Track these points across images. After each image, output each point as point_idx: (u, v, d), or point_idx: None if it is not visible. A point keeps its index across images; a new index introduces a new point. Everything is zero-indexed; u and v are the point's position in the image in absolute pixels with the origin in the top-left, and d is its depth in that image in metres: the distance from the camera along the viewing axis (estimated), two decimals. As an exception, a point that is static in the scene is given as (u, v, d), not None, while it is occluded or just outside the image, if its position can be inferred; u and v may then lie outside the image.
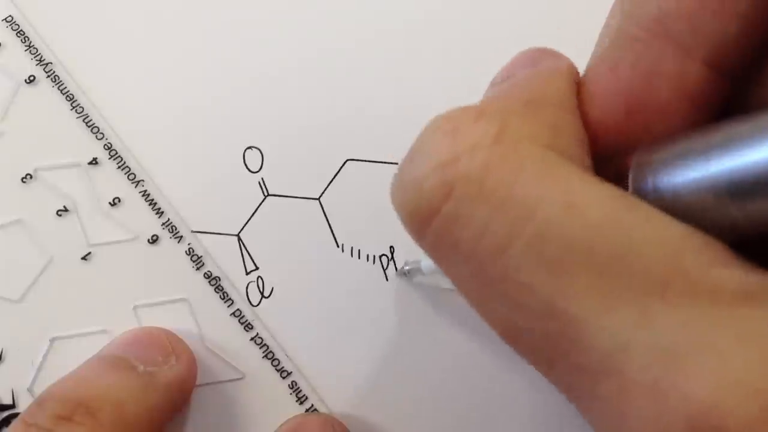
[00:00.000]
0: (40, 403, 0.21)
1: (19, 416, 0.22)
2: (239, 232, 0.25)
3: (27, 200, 0.25)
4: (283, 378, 0.25)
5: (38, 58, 0.26)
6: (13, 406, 0.24)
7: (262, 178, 0.26)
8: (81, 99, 0.26)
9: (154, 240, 0.25)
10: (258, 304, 0.25)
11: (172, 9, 0.27)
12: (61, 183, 0.25)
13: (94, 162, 0.26)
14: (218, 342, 0.25)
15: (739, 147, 0.12)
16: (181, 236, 0.25)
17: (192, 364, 0.24)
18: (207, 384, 0.24)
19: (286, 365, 0.25)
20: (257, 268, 0.25)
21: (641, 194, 0.14)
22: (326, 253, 0.25)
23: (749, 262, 0.13)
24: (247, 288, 0.25)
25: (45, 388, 0.22)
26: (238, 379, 0.25)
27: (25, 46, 0.27)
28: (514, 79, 0.16)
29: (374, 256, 0.25)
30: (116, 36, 0.27)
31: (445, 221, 0.14)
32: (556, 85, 0.16)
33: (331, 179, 0.26)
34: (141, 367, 0.23)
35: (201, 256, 0.25)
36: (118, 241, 0.25)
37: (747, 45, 0.15)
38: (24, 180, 0.25)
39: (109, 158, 0.26)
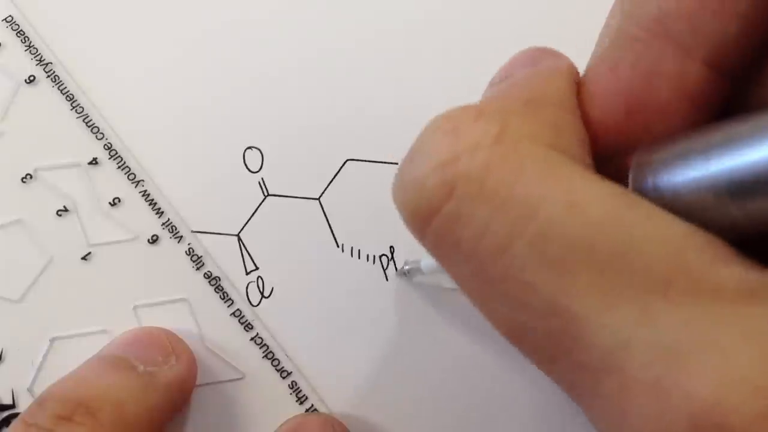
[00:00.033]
0: (40, 403, 0.21)
1: (19, 416, 0.22)
2: (239, 232, 0.25)
3: (27, 200, 0.25)
4: (283, 378, 0.25)
5: (38, 58, 0.26)
6: (13, 406, 0.24)
7: (262, 178, 0.26)
8: (81, 99, 0.26)
9: (154, 240, 0.25)
10: (258, 304, 0.25)
11: (172, 9, 0.27)
12: (61, 183, 0.25)
13: (94, 162, 0.26)
14: (218, 342, 0.25)
15: (739, 147, 0.12)
16: (181, 236, 0.25)
17: (192, 364, 0.24)
18: (207, 384, 0.24)
19: (286, 365, 0.25)
20: (257, 268, 0.25)
21: (641, 194, 0.14)
22: (326, 253, 0.25)
23: (751, 260, 0.13)
24: (247, 288, 0.25)
25: (45, 388, 0.22)
26: (238, 379, 0.25)
27: (25, 46, 0.27)
28: (513, 79, 0.16)
29: (374, 256, 0.25)
30: (116, 36, 0.27)
31: (445, 221, 0.14)
32: (556, 85, 0.16)
33: (331, 179, 0.26)
34: (141, 367, 0.23)
35: (201, 256, 0.25)
36: (118, 241, 0.25)
37: (747, 45, 0.15)
38: (24, 180, 0.25)
39: (109, 158, 0.26)
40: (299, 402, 0.24)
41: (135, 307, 0.25)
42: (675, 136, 0.14)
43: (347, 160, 0.26)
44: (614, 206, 0.13)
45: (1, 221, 0.25)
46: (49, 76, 0.26)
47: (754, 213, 0.12)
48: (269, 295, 0.25)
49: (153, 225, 0.25)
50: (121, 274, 0.25)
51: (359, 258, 0.25)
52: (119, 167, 0.26)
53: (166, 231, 0.25)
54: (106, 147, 0.26)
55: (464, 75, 0.26)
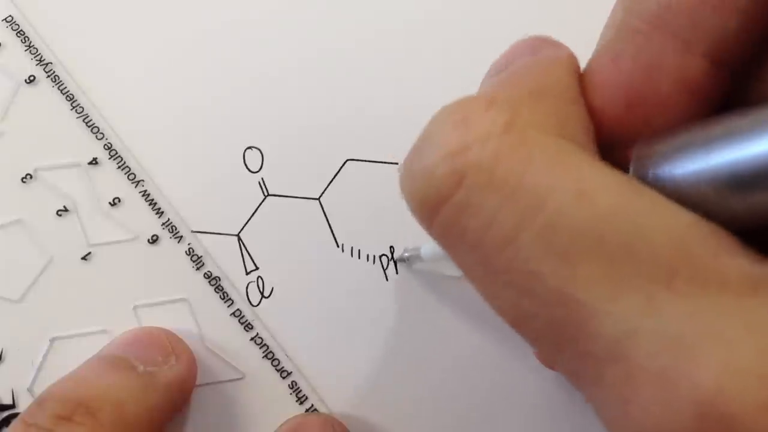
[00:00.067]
0: (40, 403, 0.21)
1: (19, 416, 0.22)
2: (239, 232, 0.25)
3: (27, 200, 0.25)
4: (283, 378, 0.25)
5: (38, 58, 0.26)
6: (13, 406, 0.24)
7: (262, 178, 0.26)
8: (81, 99, 0.26)
9: (154, 240, 0.25)
10: (258, 304, 0.25)
11: (172, 9, 0.27)
12: (61, 183, 0.25)
13: (94, 162, 0.26)
14: (218, 342, 0.25)
15: (740, 140, 0.13)
16: (181, 236, 0.25)
17: (192, 364, 0.24)
18: (207, 384, 0.24)
19: (286, 365, 0.25)
20: (257, 268, 0.25)
21: None
22: (326, 253, 0.25)
23: (754, 251, 0.13)
24: (247, 288, 0.25)
25: (45, 388, 0.22)
26: (238, 379, 0.25)
27: (25, 46, 0.27)
28: (514, 68, 0.16)
29: (374, 256, 0.25)
30: (116, 36, 0.27)
31: (454, 210, 0.14)
32: (560, 74, 0.16)
33: (331, 179, 0.26)
34: (141, 367, 0.23)
35: (201, 256, 0.25)
36: (118, 241, 0.25)
37: (747, 39, 0.15)
38: (24, 180, 0.25)
39: (109, 158, 0.26)
40: (299, 402, 0.24)
41: (135, 307, 0.25)
42: (676, 129, 0.14)
43: (347, 160, 0.26)
44: (622, 195, 0.13)
45: (1, 221, 0.25)
46: (49, 76, 0.26)
47: (754, 206, 0.13)
48: (269, 295, 0.25)
49: (153, 225, 0.25)
50: (121, 274, 0.25)
51: (359, 258, 0.25)
52: (119, 167, 0.26)
53: (166, 231, 0.25)
54: (106, 147, 0.26)
55: (464, 75, 0.26)
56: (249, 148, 0.26)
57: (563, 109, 0.15)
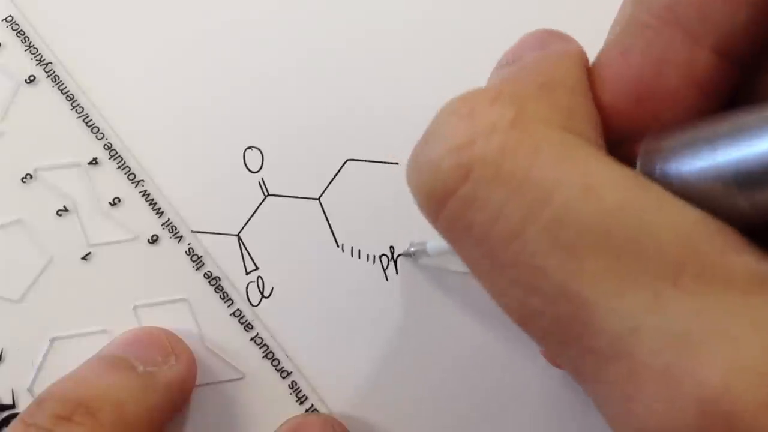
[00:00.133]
0: (39, 402, 0.21)
1: (19, 416, 0.22)
2: (239, 232, 0.25)
3: (27, 200, 0.25)
4: (283, 378, 0.25)
5: (38, 58, 0.26)
6: (13, 406, 0.24)
7: (262, 178, 0.26)
8: (81, 99, 0.26)
9: (154, 240, 0.25)
10: (258, 304, 0.25)
11: (172, 9, 0.27)
12: (61, 183, 0.25)
13: (94, 162, 0.26)
14: (218, 342, 0.25)
15: (747, 137, 0.12)
16: (181, 236, 0.25)
17: (192, 364, 0.24)
18: (207, 384, 0.24)
19: (286, 365, 0.25)
20: (257, 268, 0.25)
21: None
22: (326, 253, 0.25)
23: (761, 249, 0.13)
24: (247, 288, 0.25)
25: (45, 388, 0.22)
26: (238, 379, 0.25)
27: (25, 46, 0.27)
28: (523, 62, 0.16)
29: (374, 256, 0.25)
30: (116, 36, 0.27)
31: (460, 204, 0.14)
32: (568, 68, 0.16)
33: (331, 179, 0.26)
34: (141, 367, 0.23)
35: (201, 256, 0.25)
36: (118, 241, 0.25)
37: (756, 33, 0.15)
38: (24, 180, 0.25)
39: (109, 158, 0.26)
40: (299, 402, 0.24)
41: (135, 307, 0.25)
42: (683, 124, 0.14)
43: (347, 160, 0.26)
44: (628, 191, 0.13)
45: (1, 221, 0.25)
46: (49, 76, 0.26)
47: (761, 203, 0.13)
48: (269, 295, 0.25)
49: (153, 225, 0.25)
50: (121, 274, 0.25)
51: (359, 258, 0.25)
52: (119, 167, 0.26)
53: (166, 231, 0.25)
54: (106, 147, 0.26)
55: (464, 74, 0.26)
56: (249, 148, 0.26)
57: (571, 103, 0.15)
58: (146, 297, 0.25)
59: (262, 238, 0.25)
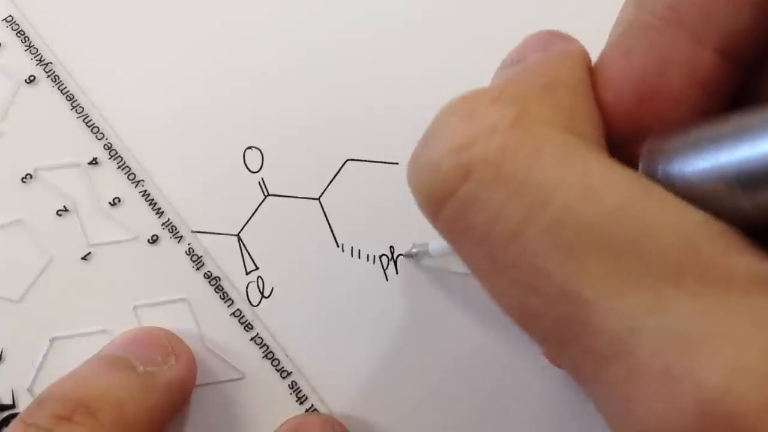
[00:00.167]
0: (39, 402, 0.21)
1: (19, 416, 0.22)
2: (239, 232, 0.25)
3: (27, 200, 0.25)
4: (283, 378, 0.25)
5: (38, 58, 0.26)
6: (13, 406, 0.24)
7: (262, 178, 0.26)
8: (81, 99, 0.26)
9: (154, 240, 0.25)
10: (258, 304, 0.25)
11: (172, 9, 0.27)
12: (61, 183, 0.25)
13: (94, 162, 0.26)
14: (218, 342, 0.25)
15: (750, 138, 0.12)
16: (181, 236, 0.25)
17: (192, 364, 0.24)
18: (207, 384, 0.24)
19: (286, 365, 0.25)
20: (257, 268, 0.25)
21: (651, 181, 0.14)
22: (326, 253, 0.25)
23: (763, 250, 0.13)
24: (247, 288, 0.25)
25: (45, 388, 0.22)
26: (238, 379, 0.25)
27: (25, 46, 0.27)
28: (526, 63, 0.16)
29: (374, 256, 0.25)
30: (116, 36, 0.27)
31: (460, 204, 0.14)
32: (570, 69, 0.16)
33: (331, 179, 0.26)
34: (141, 367, 0.23)
35: (201, 256, 0.25)
36: (118, 241, 0.25)
37: (759, 33, 0.15)
38: (24, 180, 0.25)
39: (109, 158, 0.26)
40: (299, 402, 0.24)
41: (135, 307, 0.25)
42: (686, 125, 0.14)
43: (347, 160, 0.26)
44: (630, 192, 0.13)
45: (1, 221, 0.25)
46: (49, 76, 0.26)
47: (763, 204, 0.13)
48: (269, 295, 0.25)
49: (153, 225, 0.25)
50: (121, 274, 0.25)
51: (359, 258, 0.25)
52: (119, 167, 0.26)
53: (166, 231, 0.25)
54: (106, 147, 0.26)
55: (465, 74, 0.26)
56: (249, 148, 0.26)
57: (573, 104, 0.15)
58: (146, 297, 0.25)
59: (262, 238, 0.25)
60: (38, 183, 0.25)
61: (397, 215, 0.25)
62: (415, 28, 0.27)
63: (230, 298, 0.25)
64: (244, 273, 0.25)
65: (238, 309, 0.25)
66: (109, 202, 0.25)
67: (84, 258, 0.25)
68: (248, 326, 0.25)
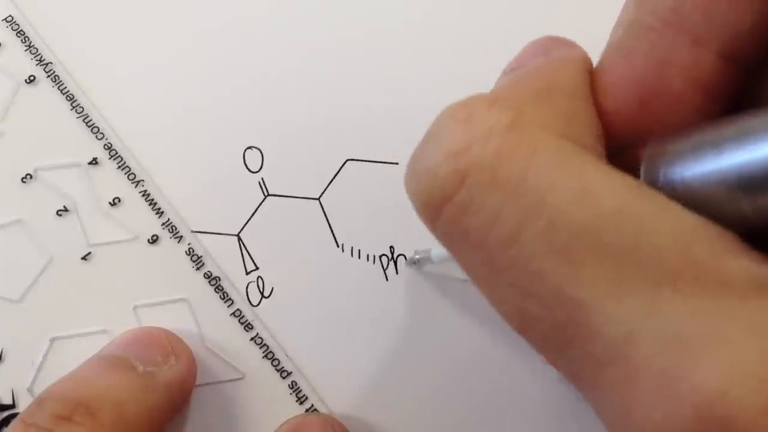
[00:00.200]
0: (39, 402, 0.21)
1: (19, 416, 0.22)
2: (239, 232, 0.25)
3: (27, 200, 0.25)
4: (283, 378, 0.25)
5: (38, 58, 0.26)
6: (13, 406, 0.24)
7: (262, 178, 0.26)
8: (81, 99, 0.26)
9: (154, 240, 0.25)
10: (258, 304, 0.25)
11: (172, 9, 0.27)
12: (61, 183, 0.25)
13: (94, 162, 0.26)
14: (218, 342, 0.25)
15: (752, 141, 0.12)
16: (181, 236, 0.25)
17: (192, 364, 0.24)
18: (207, 384, 0.24)
19: (286, 365, 0.25)
20: (257, 268, 0.25)
21: (653, 186, 0.14)
22: (326, 253, 0.25)
23: (760, 253, 0.13)
24: (247, 288, 0.25)
25: (45, 388, 0.22)
26: (238, 379, 0.25)
27: (25, 46, 0.27)
28: (526, 68, 0.16)
29: (374, 256, 0.25)
30: (116, 36, 0.27)
31: (456, 209, 0.14)
32: (569, 74, 0.16)
33: (331, 179, 0.26)
34: (141, 367, 0.23)
35: (201, 256, 0.25)
36: (118, 241, 0.25)
37: (761, 36, 0.15)
38: (24, 180, 0.25)
39: (109, 158, 0.26)
40: (299, 402, 0.24)
41: (135, 307, 0.25)
42: (688, 128, 0.14)
43: (347, 160, 0.26)
44: (625, 197, 0.13)
45: (1, 221, 0.25)
46: (49, 76, 0.26)
47: (763, 208, 0.13)
48: (269, 295, 0.25)
49: (153, 225, 0.25)
50: (121, 274, 0.25)
51: (359, 258, 0.25)
52: (119, 167, 0.26)
53: (166, 231, 0.25)
54: (106, 147, 0.26)
55: (465, 74, 0.26)
56: (249, 148, 0.26)
57: (570, 109, 0.15)
58: (146, 297, 0.25)
59: (262, 238, 0.25)
60: (38, 183, 0.25)
61: (397, 215, 0.25)
62: (415, 28, 0.27)
63: (230, 298, 0.25)
64: (244, 273, 0.25)
65: (238, 309, 0.25)
66: (109, 202, 0.25)
67: (84, 258, 0.25)
68: (248, 326, 0.25)
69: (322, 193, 0.26)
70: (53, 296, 0.25)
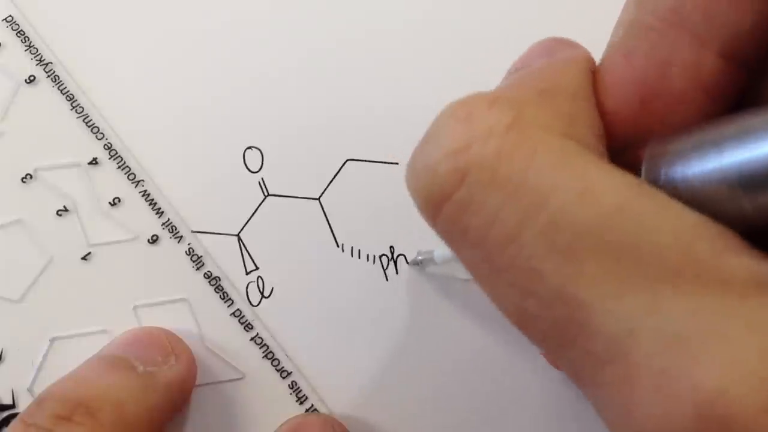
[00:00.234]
0: (39, 402, 0.21)
1: (19, 416, 0.22)
2: (239, 232, 0.25)
3: (27, 200, 0.25)
4: (283, 378, 0.25)
5: (38, 58, 0.26)
6: (13, 406, 0.24)
7: (262, 178, 0.26)
8: (81, 99, 0.26)
9: (154, 240, 0.25)
10: (258, 304, 0.25)
11: (172, 9, 0.27)
12: (61, 183, 0.25)
13: (94, 162, 0.26)
14: (218, 342, 0.25)
15: (753, 139, 0.13)
16: (181, 236, 0.25)
17: (192, 364, 0.24)
18: (207, 384, 0.24)
19: (286, 365, 0.25)
20: (257, 268, 0.25)
21: (654, 185, 0.14)
22: (326, 253, 0.25)
23: (760, 252, 0.13)
24: (247, 288, 0.25)
25: (45, 388, 0.22)
26: (238, 379, 0.25)
27: (25, 46, 0.27)
28: (529, 69, 0.16)
29: (374, 256, 0.25)
30: (116, 36, 0.27)
31: (456, 208, 0.14)
32: (572, 75, 0.16)
33: (331, 179, 0.26)
34: (141, 367, 0.23)
35: (201, 256, 0.25)
36: (118, 241, 0.25)
37: (762, 36, 0.15)
38: (24, 180, 0.25)
39: (109, 158, 0.26)
40: (299, 402, 0.24)
41: (135, 307, 0.25)
42: (689, 127, 0.14)
43: (347, 160, 0.26)
44: (626, 195, 0.13)
45: (1, 221, 0.25)
46: (49, 76, 0.26)
47: (764, 206, 0.13)
48: (269, 295, 0.25)
49: (153, 225, 0.25)
50: (121, 274, 0.25)
51: (359, 258, 0.25)
52: (119, 167, 0.26)
53: (166, 231, 0.25)
54: (106, 147, 0.26)
55: (465, 75, 0.26)
56: (249, 148, 0.26)
57: (572, 109, 0.15)
58: (146, 297, 0.25)
59: (262, 238, 0.25)
60: (38, 183, 0.25)
61: (397, 215, 0.25)
62: (415, 28, 0.27)
63: (230, 298, 0.25)
64: (244, 273, 0.25)
65: (238, 309, 0.25)
66: (109, 202, 0.25)
67: (84, 258, 0.25)
68: (248, 326, 0.25)
69: (322, 193, 0.26)
70: (53, 296, 0.25)
